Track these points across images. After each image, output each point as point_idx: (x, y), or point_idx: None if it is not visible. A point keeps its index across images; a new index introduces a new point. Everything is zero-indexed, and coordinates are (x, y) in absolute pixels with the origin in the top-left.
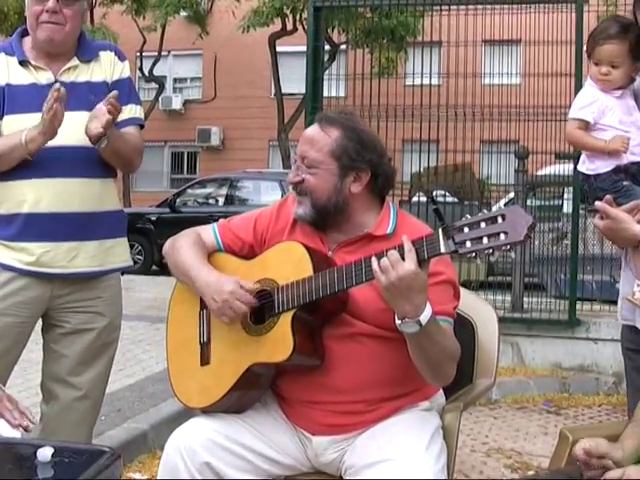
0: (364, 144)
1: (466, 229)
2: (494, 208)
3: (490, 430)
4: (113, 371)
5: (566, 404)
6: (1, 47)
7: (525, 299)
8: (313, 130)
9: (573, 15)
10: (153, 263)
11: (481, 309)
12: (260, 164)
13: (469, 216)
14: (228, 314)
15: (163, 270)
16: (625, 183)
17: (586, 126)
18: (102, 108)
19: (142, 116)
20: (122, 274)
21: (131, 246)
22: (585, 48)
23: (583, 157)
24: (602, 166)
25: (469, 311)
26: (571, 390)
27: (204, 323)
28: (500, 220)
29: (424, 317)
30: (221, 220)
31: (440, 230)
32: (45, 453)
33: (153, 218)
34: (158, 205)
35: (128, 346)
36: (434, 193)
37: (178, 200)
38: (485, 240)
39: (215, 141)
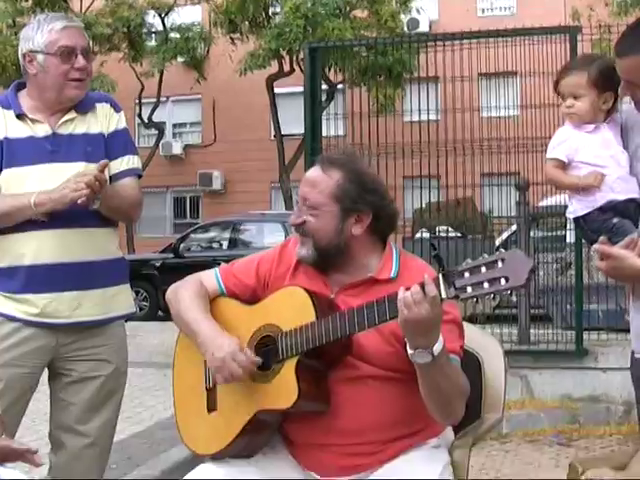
0: (365, 186)
1: (467, 274)
2: (497, 242)
3: (502, 464)
4: (122, 419)
5: (577, 435)
6: None
7: (532, 331)
8: (314, 172)
9: (567, 45)
10: (159, 309)
11: (487, 344)
12: (262, 206)
13: (470, 260)
14: (224, 375)
15: (169, 316)
16: (614, 220)
17: (563, 165)
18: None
19: (139, 166)
20: (126, 321)
21: (136, 292)
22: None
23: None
24: (579, 208)
25: (475, 346)
26: (582, 421)
27: (209, 369)
28: (500, 264)
29: (436, 348)
30: (223, 264)
31: (441, 276)
32: None
33: (157, 264)
34: (162, 251)
35: (136, 393)
36: (437, 229)
37: (182, 245)
38: (486, 285)
39: (217, 185)
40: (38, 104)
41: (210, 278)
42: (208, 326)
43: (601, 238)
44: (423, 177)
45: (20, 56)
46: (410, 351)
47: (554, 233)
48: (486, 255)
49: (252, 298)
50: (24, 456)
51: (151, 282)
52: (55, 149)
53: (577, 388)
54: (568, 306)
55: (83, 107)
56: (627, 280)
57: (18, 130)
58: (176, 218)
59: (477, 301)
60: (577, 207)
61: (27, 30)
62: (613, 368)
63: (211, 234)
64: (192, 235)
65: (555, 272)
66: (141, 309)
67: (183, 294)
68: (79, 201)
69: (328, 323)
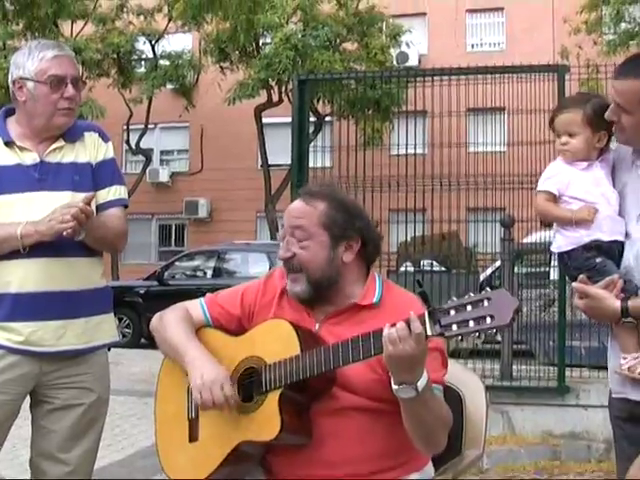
0: (350, 212)
1: (452, 312)
2: (481, 277)
3: None
4: (102, 447)
5: (558, 472)
6: None
7: (514, 367)
8: (298, 205)
9: (555, 83)
10: (142, 336)
11: (468, 380)
12: (248, 236)
13: (455, 298)
14: (206, 399)
15: (152, 343)
16: (598, 260)
17: (554, 198)
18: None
19: (126, 196)
20: (109, 349)
21: (119, 320)
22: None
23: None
24: (564, 244)
25: (456, 382)
26: (562, 457)
27: (192, 399)
28: (486, 303)
29: (421, 384)
30: (208, 294)
31: (426, 313)
32: None
33: (141, 291)
34: (146, 278)
35: (117, 421)
36: (421, 263)
37: (166, 273)
38: (471, 324)
39: (203, 213)
40: (26, 131)
41: (195, 307)
42: (196, 347)
43: (580, 276)
44: (409, 211)
45: (10, 82)
46: (394, 386)
47: (538, 269)
48: (472, 293)
49: (238, 328)
50: None
51: (134, 309)
52: (43, 177)
53: (558, 425)
54: (551, 342)
55: (71, 136)
56: (604, 320)
57: (6, 158)
58: (161, 245)
59: (462, 339)
60: (562, 243)
61: (18, 56)
62: (594, 405)
63: (196, 262)
64: (177, 263)
65: (538, 308)
66: (124, 336)
67: (169, 319)
68: (64, 233)
69: (312, 357)
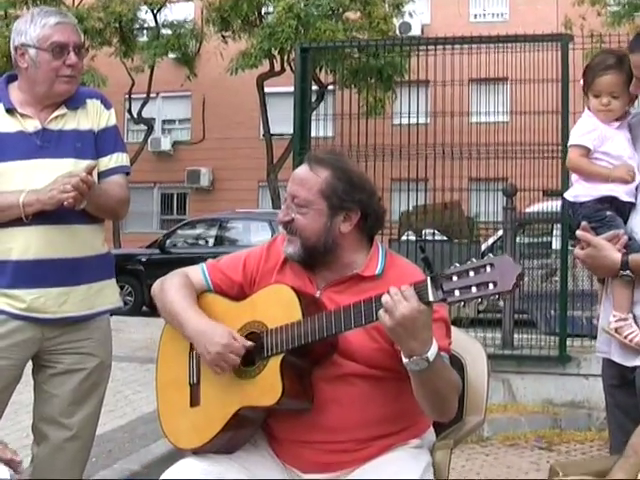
0: (353, 184)
1: (455, 278)
2: (483, 247)
3: (482, 467)
4: (104, 412)
5: (558, 440)
6: None
7: (515, 336)
8: (302, 170)
9: (559, 53)
10: (143, 304)
11: (471, 347)
12: (250, 204)
13: (458, 264)
14: (221, 366)
15: (153, 311)
16: (608, 213)
17: (587, 153)
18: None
19: (128, 163)
20: (111, 315)
21: (121, 287)
22: (582, 82)
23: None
24: (582, 194)
25: (459, 349)
26: (563, 426)
27: (194, 364)
28: (489, 269)
29: (431, 353)
30: (210, 260)
31: (429, 278)
32: None
33: (143, 259)
34: (148, 246)
35: (119, 387)
36: (423, 232)
37: (168, 241)
38: (474, 289)
39: (204, 182)
40: (28, 98)
41: (197, 273)
42: (196, 318)
43: (583, 224)
44: (411, 180)
45: (12, 49)
46: (405, 360)
47: (540, 239)
48: (474, 260)
49: (239, 294)
50: (8, 463)
51: (136, 277)
52: (45, 145)
53: (559, 393)
54: (552, 312)
55: (74, 103)
56: (601, 272)
57: (7, 125)
58: (163, 214)
59: (464, 305)
60: (580, 192)
61: (20, 23)
62: (595, 375)
63: (197, 231)
64: (178, 231)
65: (540, 278)
66: (125, 304)
67: (169, 286)
68: (65, 203)
69: (314, 322)
